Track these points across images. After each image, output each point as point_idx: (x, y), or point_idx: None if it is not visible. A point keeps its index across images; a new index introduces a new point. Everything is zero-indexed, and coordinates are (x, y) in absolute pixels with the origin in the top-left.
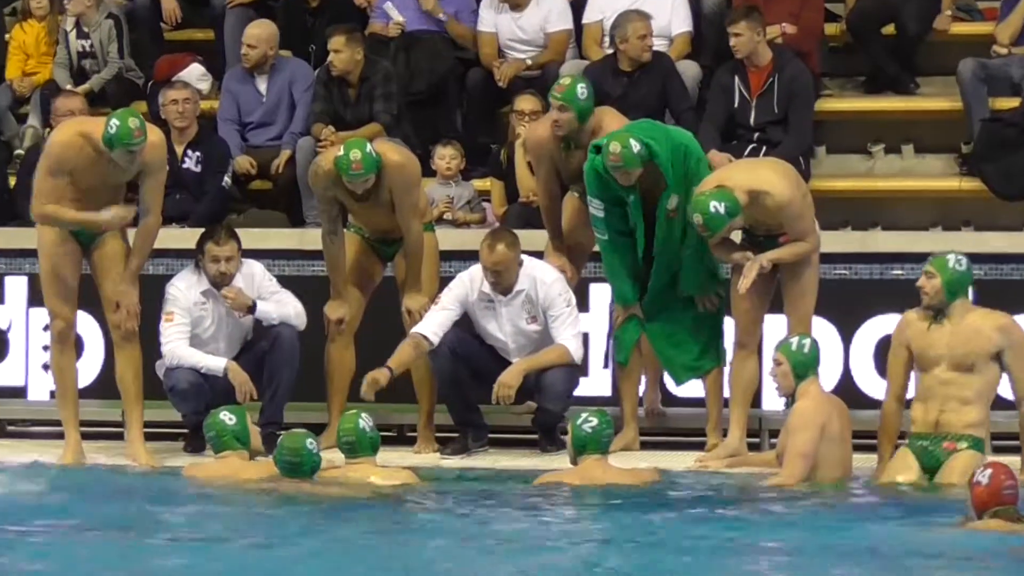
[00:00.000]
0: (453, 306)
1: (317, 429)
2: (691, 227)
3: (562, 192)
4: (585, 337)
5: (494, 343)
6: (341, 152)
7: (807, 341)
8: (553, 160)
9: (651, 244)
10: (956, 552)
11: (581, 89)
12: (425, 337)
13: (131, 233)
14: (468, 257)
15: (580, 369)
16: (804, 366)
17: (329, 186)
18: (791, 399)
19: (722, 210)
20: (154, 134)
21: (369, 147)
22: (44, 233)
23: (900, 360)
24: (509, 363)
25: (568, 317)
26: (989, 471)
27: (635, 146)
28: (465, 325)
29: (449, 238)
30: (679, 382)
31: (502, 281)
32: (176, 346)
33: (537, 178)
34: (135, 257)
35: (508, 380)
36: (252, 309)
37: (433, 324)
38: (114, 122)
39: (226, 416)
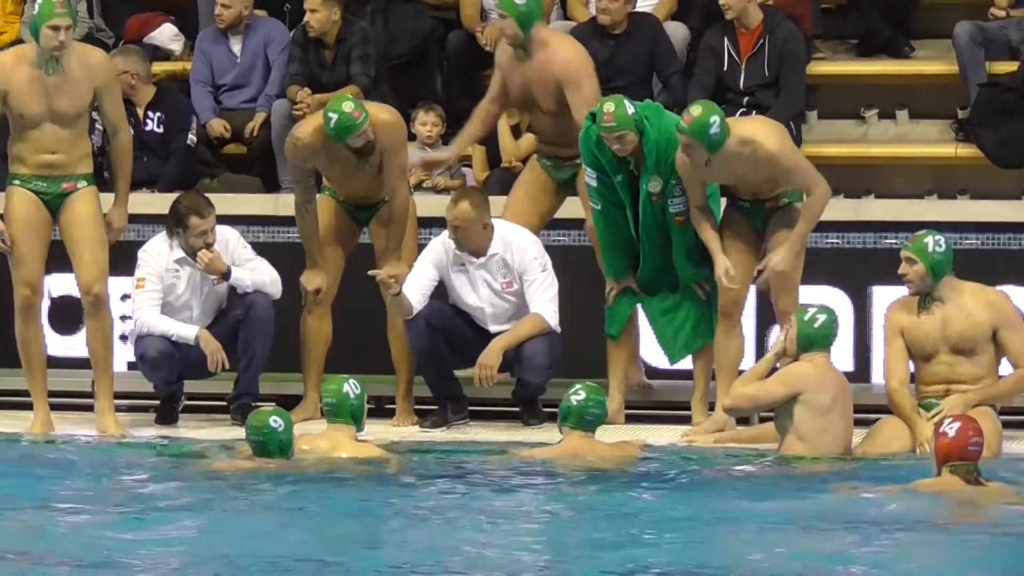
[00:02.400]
0: (430, 269)
1: (295, 400)
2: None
3: (500, 111)
4: None
5: (469, 310)
6: (332, 115)
7: (823, 316)
8: (503, 72)
9: (639, 222)
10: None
11: None
12: (408, 301)
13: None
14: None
15: (559, 337)
16: (808, 338)
17: (309, 157)
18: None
19: (715, 122)
20: (98, 54)
21: (351, 99)
22: (10, 198)
23: (896, 348)
24: (486, 331)
25: (543, 283)
26: (957, 424)
27: (629, 108)
28: (440, 296)
29: (428, 205)
30: (673, 361)
31: (463, 240)
32: (147, 313)
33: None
34: (121, 181)
35: (487, 361)
36: (227, 276)
37: (415, 290)
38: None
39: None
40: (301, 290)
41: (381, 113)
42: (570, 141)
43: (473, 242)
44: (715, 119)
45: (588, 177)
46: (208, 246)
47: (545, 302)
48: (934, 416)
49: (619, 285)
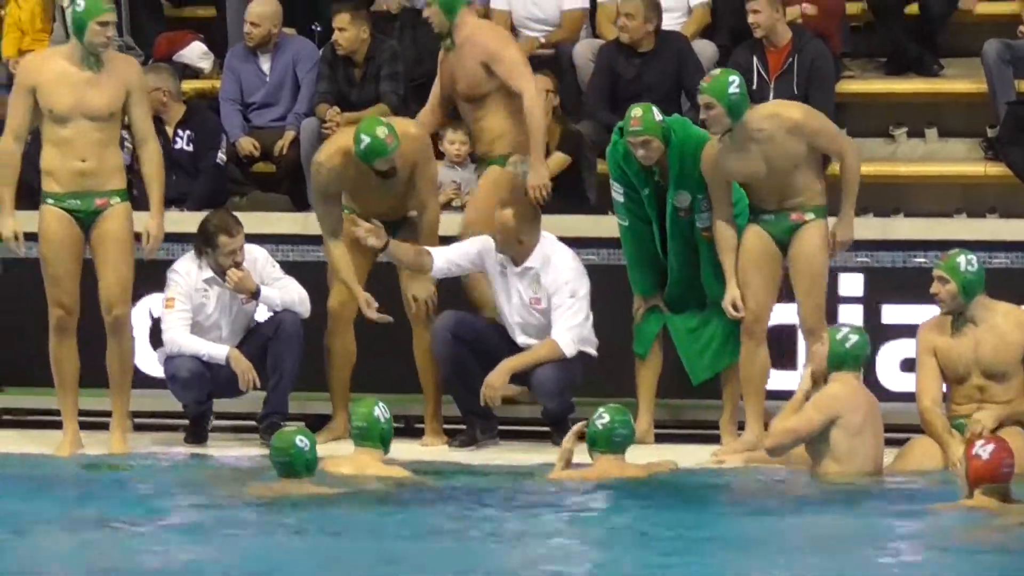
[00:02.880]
0: (473, 248)
1: (323, 420)
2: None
3: (436, 120)
4: None
5: (501, 317)
6: (365, 137)
7: (855, 337)
8: (440, 77)
9: (666, 238)
10: (942, 534)
11: None
12: (429, 254)
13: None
14: None
15: (577, 362)
16: (840, 358)
17: (333, 181)
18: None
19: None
20: (131, 61)
21: (385, 123)
22: (44, 217)
23: (929, 368)
24: (515, 344)
25: (568, 310)
26: (991, 446)
27: (657, 115)
28: (466, 306)
29: (456, 223)
30: (696, 381)
31: (500, 244)
32: (177, 333)
33: None
34: (155, 191)
35: (493, 381)
36: (256, 295)
37: (446, 252)
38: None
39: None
40: (328, 311)
41: (409, 128)
42: (499, 135)
43: (508, 250)
44: (735, 79)
45: (615, 193)
46: (237, 265)
47: (565, 329)
48: (969, 436)
49: (647, 303)
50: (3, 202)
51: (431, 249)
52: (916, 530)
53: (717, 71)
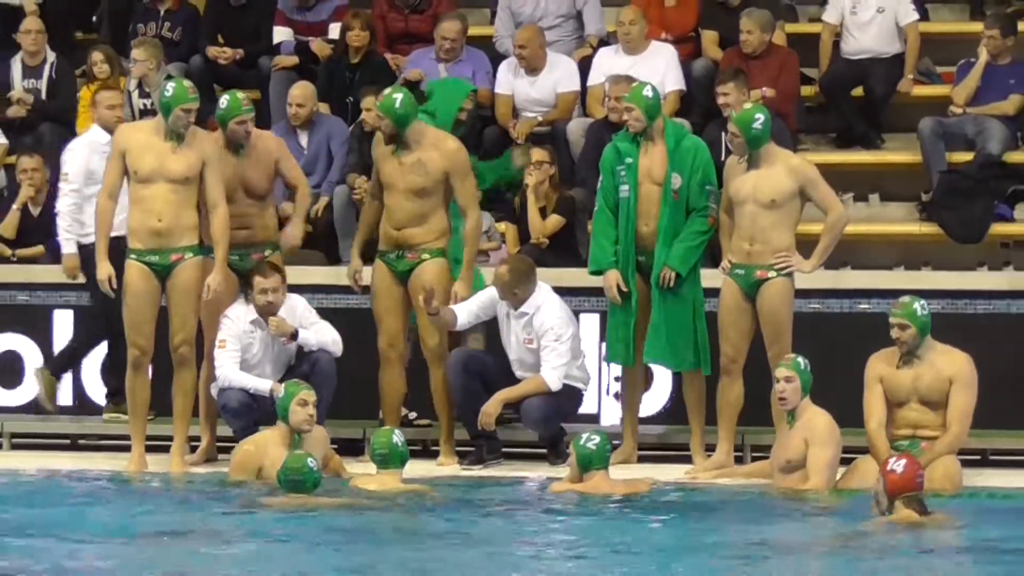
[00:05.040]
0: (487, 297)
1: (351, 443)
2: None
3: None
4: None
5: (507, 352)
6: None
7: (807, 361)
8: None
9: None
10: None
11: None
12: (454, 312)
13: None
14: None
15: (564, 395)
16: (809, 384)
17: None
18: (792, 415)
19: (759, 119)
20: (208, 135)
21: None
22: (128, 270)
23: (875, 394)
24: (516, 378)
25: (553, 351)
26: (903, 461)
27: (648, 92)
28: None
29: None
30: (646, 360)
31: (503, 297)
32: (228, 370)
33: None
34: (220, 250)
35: (488, 409)
36: (294, 337)
37: (466, 307)
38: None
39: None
40: (379, 349)
41: (448, 142)
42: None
43: (509, 299)
44: (760, 116)
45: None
46: (269, 304)
47: (550, 368)
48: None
49: (608, 280)
50: (100, 251)
51: (455, 308)
52: (856, 540)
53: (749, 105)
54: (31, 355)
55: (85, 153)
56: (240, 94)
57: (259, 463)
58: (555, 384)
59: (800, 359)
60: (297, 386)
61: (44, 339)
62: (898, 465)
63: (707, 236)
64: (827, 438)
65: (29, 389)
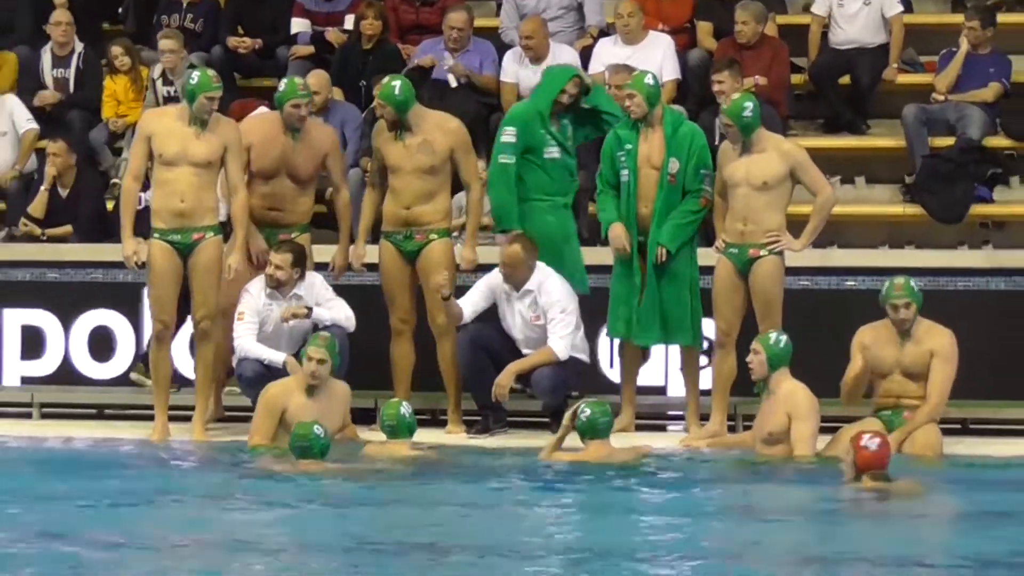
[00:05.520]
0: (484, 288)
1: (364, 412)
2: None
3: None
4: None
5: (510, 333)
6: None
7: (783, 338)
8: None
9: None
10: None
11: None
12: (460, 307)
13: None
14: (487, 268)
15: (570, 366)
16: (778, 358)
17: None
18: (764, 384)
19: (748, 107)
20: (231, 123)
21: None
22: (151, 249)
23: (856, 361)
24: (521, 352)
25: (560, 323)
26: (877, 440)
27: (649, 80)
28: (486, 317)
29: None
30: (640, 343)
31: (510, 275)
32: (245, 341)
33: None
34: (239, 231)
35: (501, 381)
36: (309, 313)
37: (467, 302)
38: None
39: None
40: (390, 324)
41: (449, 121)
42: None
43: (517, 278)
44: (749, 104)
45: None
46: (272, 278)
47: (558, 338)
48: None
49: (614, 231)
50: (125, 229)
51: (460, 302)
52: (833, 504)
53: (737, 95)
54: (54, 332)
55: None
56: (298, 79)
57: (283, 405)
58: (563, 353)
59: (773, 335)
60: (316, 339)
61: (70, 316)
62: (872, 443)
63: (698, 216)
64: (808, 411)
65: (53, 360)
